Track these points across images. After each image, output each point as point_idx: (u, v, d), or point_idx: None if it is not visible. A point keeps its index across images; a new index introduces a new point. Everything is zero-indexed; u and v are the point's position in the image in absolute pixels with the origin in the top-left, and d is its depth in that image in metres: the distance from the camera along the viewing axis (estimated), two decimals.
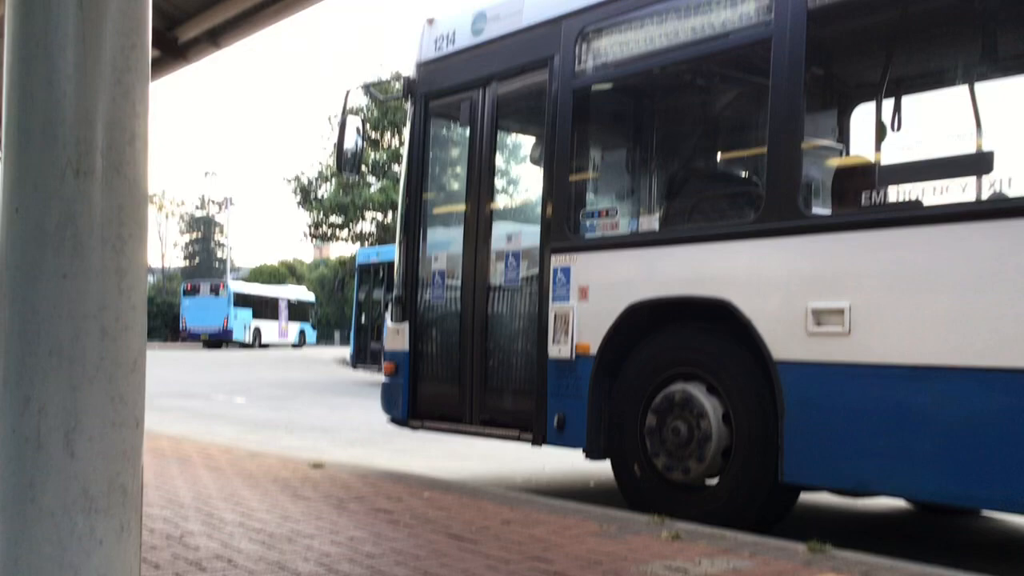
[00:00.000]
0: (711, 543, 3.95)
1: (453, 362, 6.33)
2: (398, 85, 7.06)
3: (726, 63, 5.43)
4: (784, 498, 4.73)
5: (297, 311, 49.05)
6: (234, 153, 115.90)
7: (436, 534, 4.05)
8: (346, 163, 6.95)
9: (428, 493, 5.16)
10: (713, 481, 4.87)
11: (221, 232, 74.87)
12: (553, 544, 3.88)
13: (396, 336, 6.64)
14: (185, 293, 45.77)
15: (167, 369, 22.67)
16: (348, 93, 6.92)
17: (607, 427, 5.30)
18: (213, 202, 74.13)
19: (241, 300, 44.81)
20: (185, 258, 76.64)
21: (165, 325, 50.53)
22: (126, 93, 1.95)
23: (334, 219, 37.81)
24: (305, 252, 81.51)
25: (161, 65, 8.15)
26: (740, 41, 4.86)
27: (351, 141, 6.85)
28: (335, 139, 7.05)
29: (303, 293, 51.61)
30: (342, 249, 54.95)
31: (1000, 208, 3.93)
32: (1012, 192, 4.07)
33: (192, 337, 44.38)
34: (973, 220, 3.91)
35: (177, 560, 3.49)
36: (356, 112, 5.83)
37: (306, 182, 38.69)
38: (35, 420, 1.81)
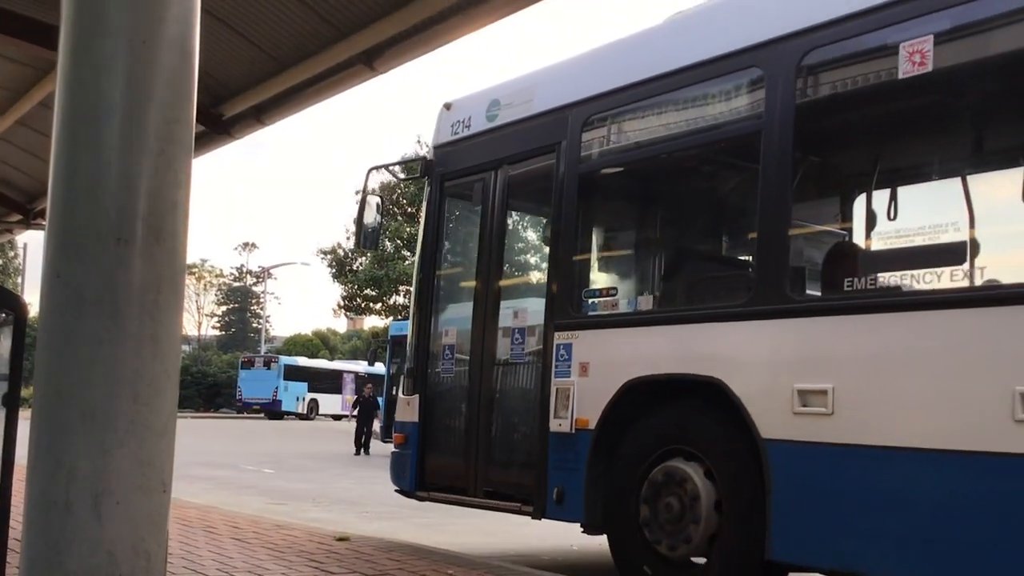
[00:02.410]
0: None
1: (459, 434, 6.42)
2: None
3: (720, 153, 5.64)
4: None
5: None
6: (273, 224, 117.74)
7: None
8: (366, 239, 7.22)
9: (453, 570, 5.09)
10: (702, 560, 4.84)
11: (257, 303, 75.66)
12: None
13: (407, 408, 6.76)
14: (242, 366, 46.96)
15: (199, 438, 22.72)
16: (369, 172, 7.09)
17: (605, 501, 5.32)
18: (251, 273, 75.09)
19: (294, 373, 46.08)
20: (221, 328, 77.34)
21: (199, 395, 50.83)
22: (169, 164, 2.02)
23: (368, 292, 38.11)
24: (339, 323, 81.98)
25: (206, 140, 8.38)
26: (733, 133, 5.10)
27: (371, 218, 7.07)
28: (355, 216, 7.33)
29: (378, 368, 52.09)
30: (375, 321, 55.29)
31: (971, 297, 4.06)
32: (982, 281, 4.18)
33: (246, 407, 45.39)
34: (948, 308, 4.05)
35: None
36: (376, 192, 6.16)
37: (342, 255, 39.13)
38: (65, 483, 1.83)
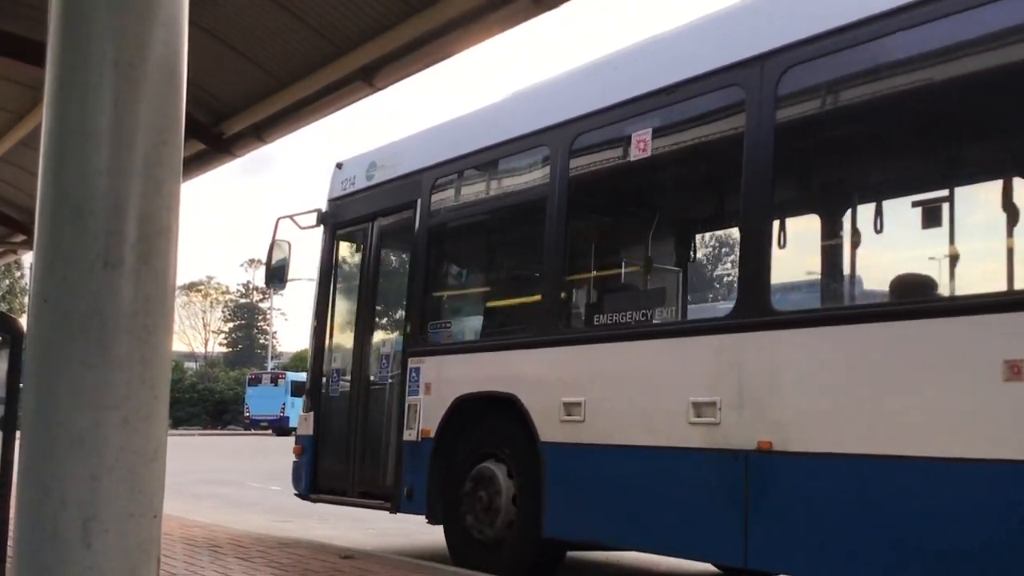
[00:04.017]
0: None
1: (342, 445, 7.65)
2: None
3: (521, 213, 6.79)
4: (552, 555, 6.01)
5: None
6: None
7: None
8: (272, 277, 8.44)
9: None
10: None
11: (264, 319, 75.75)
12: None
13: (305, 423, 8.04)
14: (249, 383, 46.65)
15: (206, 456, 22.69)
16: (278, 221, 8.25)
17: (441, 497, 6.48)
18: (257, 289, 75.18)
19: (301, 389, 45.43)
20: (228, 345, 77.41)
21: (206, 412, 50.80)
22: (157, 187, 2.01)
23: None
24: None
25: (207, 159, 8.38)
26: (529, 197, 6.41)
27: (279, 260, 8.25)
28: (265, 258, 8.44)
29: None
30: None
31: (661, 331, 5.45)
32: (668, 318, 5.69)
33: (254, 424, 45.13)
34: (647, 339, 5.43)
35: None
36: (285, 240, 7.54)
37: None
38: (54, 510, 1.81)
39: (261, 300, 75.01)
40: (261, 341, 75.91)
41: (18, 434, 2.11)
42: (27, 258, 19.45)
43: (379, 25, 5.85)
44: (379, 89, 6.53)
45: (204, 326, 72.99)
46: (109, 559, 1.84)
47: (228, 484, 15.18)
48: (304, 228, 8.28)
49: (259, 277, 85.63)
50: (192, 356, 69.43)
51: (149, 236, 1.98)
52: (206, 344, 71.81)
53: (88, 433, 1.85)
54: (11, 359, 2.85)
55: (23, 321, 2.16)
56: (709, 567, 6.66)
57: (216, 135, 7.80)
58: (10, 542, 2.08)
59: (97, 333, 1.88)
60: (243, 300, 77.19)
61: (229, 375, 56.67)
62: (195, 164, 8.32)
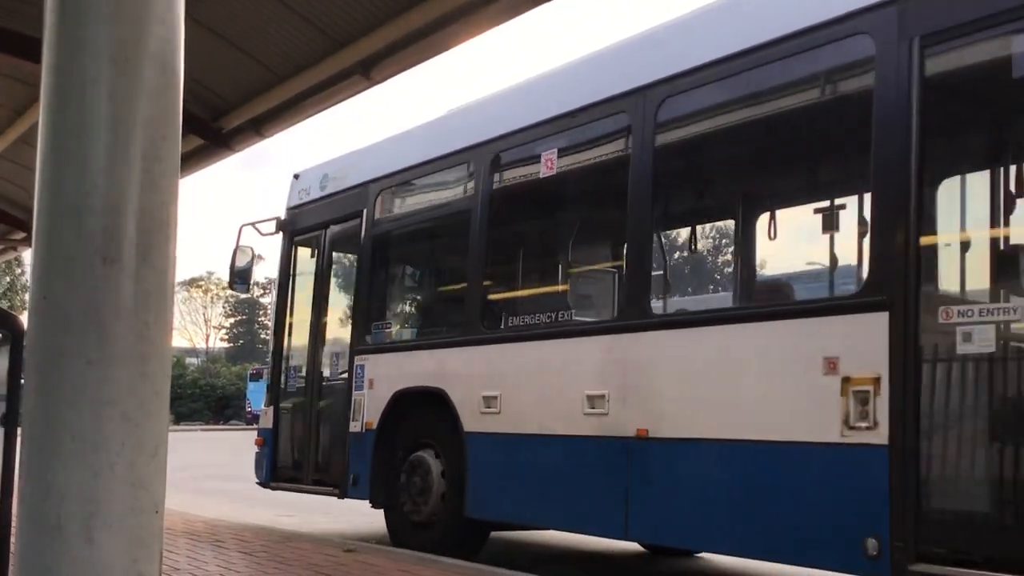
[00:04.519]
0: None
1: (297, 437, 8.31)
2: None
3: (450, 223, 7.31)
4: (477, 534, 6.60)
5: None
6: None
7: None
8: (235, 279, 8.86)
9: None
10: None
11: (265, 314, 75.70)
12: None
13: (265, 416, 8.68)
14: (251, 378, 46.36)
15: (208, 451, 22.69)
16: (241, 228, 8.80)
17: (382, 483, 7.11)
18: (257, 284, 75.19)
19: None
20: (229, 340, 77.41)
21: (208, 407, 50.77)
22: (155, 183, 2.00)
23: None
24: None
25: (207, 154, 8.39)
26: (457, 209, 7.01)
27: (242, 264, 8.73)
28: (229, 262, 8.85)
29: None
30: None
31: (561, 332, 6.01)
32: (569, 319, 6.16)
33: (255, 419, 44.81)
34: (551, 339, 6.03)
35: None
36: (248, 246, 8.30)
37: None
38: (55, 506, 1.82)
39: (262, 295, 75.00)
40: (263, 336, 75.89)
41: (19, 431, 2.11)
42: (27, 255, 19.46)
43: (377, 19, 5.85)
44: (377, 83, 6.54)
45: (205, 321, 72.98)
46: (111, 554, 1.85)
47: (230, 479, 15.18)
48: (265, 235, 8.83)
49: (259, 272, 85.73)
50: (193, 352, 69.44)
51: (148, 232, 1.97)
52: (207, 339, 71.84)
53: (89, 429, 1.85)
54: (12, 356, 2.85)
55: (23, 318, 2.16)
56: (636, 546, 7.64)
57: (215, 130, 7.81)
58: (13, 539, 2.08)
59: (97, 329, 1.88)
60: (244, 296, 77.14)
61: (231, 370, 56.65)
62: (194, 159, 8.33)
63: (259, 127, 7.76)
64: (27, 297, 2.01)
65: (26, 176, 10.47)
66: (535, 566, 5.91)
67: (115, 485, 1.86)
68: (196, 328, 73.77)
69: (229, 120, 7.73)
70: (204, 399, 50.97)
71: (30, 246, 13.22)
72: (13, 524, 2.18)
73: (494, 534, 6.91)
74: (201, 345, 72.67)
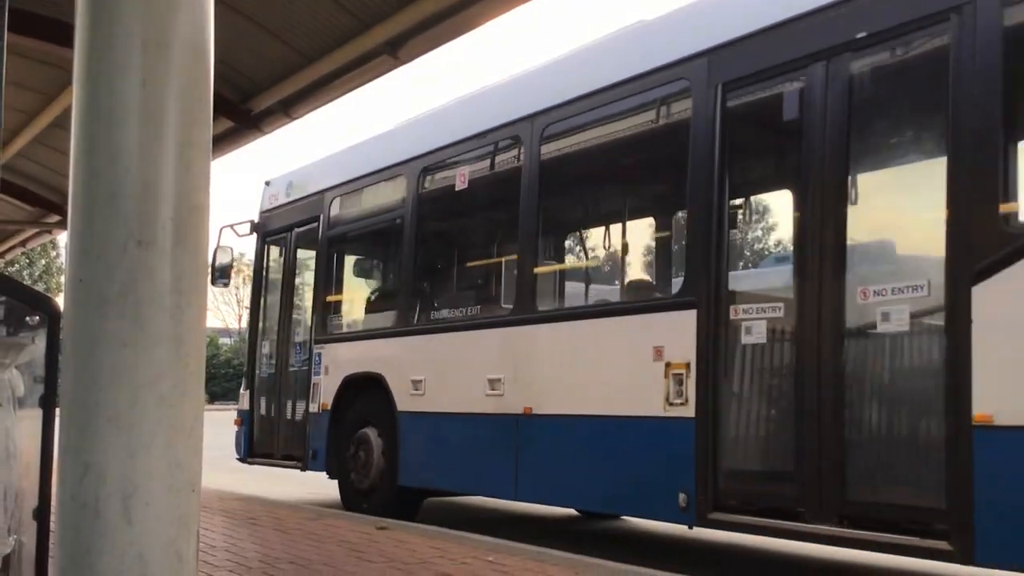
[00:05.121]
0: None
1: (269, 417, 9.37)
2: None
3: (390, 228, 8.27)
4: (411, 500, 7.65)
5: None
6: None
7: None
8: (216, 275, 9.57)
9: (493, 556, 5.10)
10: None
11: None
12: None
13: (244, 398, 9.78)
14: None
15: None
16: (221, 230, 9.82)
17: (336, 457, 8.13)
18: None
19: None
20: None
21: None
22: (188, 167, 2.02)
23: None
24: None
25: (236, 136, 8.43)
26: (395, 215, 7.99)
27: (222, 262, 9.60)
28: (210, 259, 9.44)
29: None
30: None
31: (468, 324, 7.09)
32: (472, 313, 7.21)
33: None
34: (461, 331, 7.12)
35: None
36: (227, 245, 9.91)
37: None
38: (94, 486, 1.84)
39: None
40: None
41: (57, 412, 2.14)
42: (62, 238, 19.69)
43: None
44: (404, 62, 6.53)
45: (238, 302, 73.61)
46: (150, 534, 1.87)
47: None
48: (241, 236, 9.84)
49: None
50: (227, 332, 70.13)
51: (181, 215, 1.99)
52: (240, 320, 72.43)
53: (125, 410, 1.87)
54: (48, 339, 2.88)
55: (60, 301, 2.19)
56: (571, 511, 8.48)
57: (245, 112, 7.84)
58: (53, 520, 2.12)
59: (132, 312, 1.90)
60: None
61: None
62: (225, 141, 8.38)
63: (288, 108, 7.79)
64: (63, 280, 2.03)
65: (60, 160, 10.58)
66: (472, 528, 6.50)
67: (152, 465, 1.89)
68: (229, 309, 74.49)
69: (258, 102, 7.77)
70: (238, 379, 51.44)
71: (65, 229, 13.39)
72: (53, 505, 2.21)
73: (435, 500, 8.13)
74: (234, 325, 73.36)
